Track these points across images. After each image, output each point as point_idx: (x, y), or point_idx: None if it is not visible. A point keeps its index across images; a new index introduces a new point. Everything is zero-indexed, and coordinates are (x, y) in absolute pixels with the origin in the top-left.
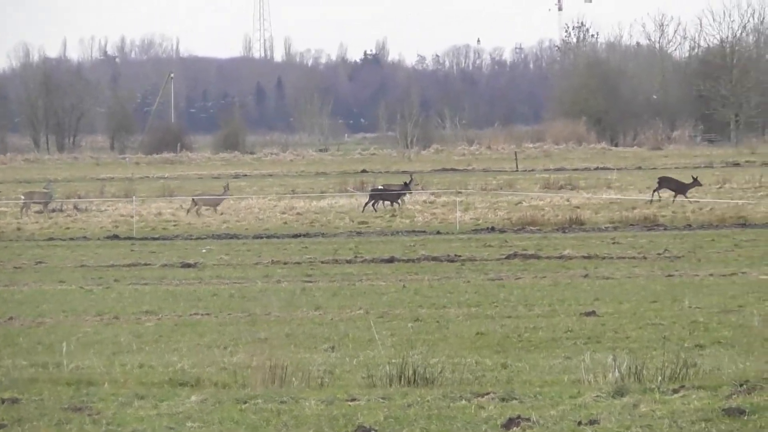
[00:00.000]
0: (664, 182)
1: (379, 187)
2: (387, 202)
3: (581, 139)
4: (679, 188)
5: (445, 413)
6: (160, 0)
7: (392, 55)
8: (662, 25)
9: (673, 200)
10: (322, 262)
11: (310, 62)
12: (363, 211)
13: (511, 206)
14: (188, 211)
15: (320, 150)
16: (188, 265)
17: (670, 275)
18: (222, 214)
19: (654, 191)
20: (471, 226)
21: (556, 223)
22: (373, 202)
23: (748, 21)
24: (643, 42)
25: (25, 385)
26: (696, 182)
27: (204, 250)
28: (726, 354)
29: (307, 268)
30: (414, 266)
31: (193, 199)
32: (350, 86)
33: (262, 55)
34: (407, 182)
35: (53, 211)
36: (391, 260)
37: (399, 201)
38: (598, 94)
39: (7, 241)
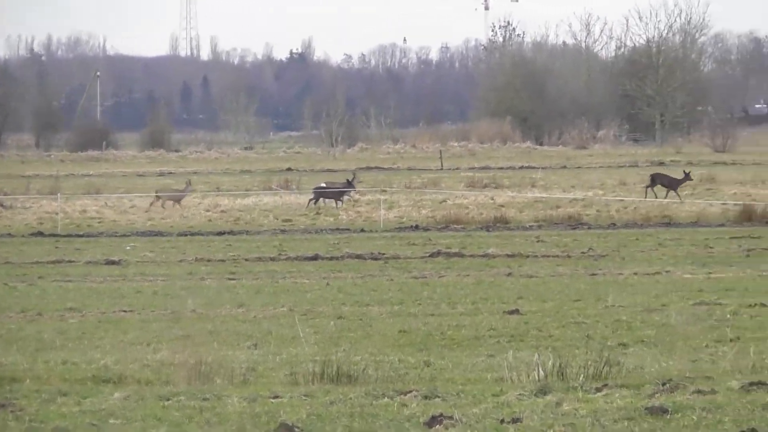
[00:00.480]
0: (657, 178)
1: (322, 184)
2: (335, 200)
3: (506, 138)
4: (671, 184)
5: (367, 411)
6: None
7: (318, 54)
8: (588, 24)
9: (666, 196)
10: (246, 260)
11: (236, 61)
12: (306, 209)
13: (436, 204)
14: (151, 204)
15: (245, 148)
16: (112, 263)
17: (593, 274)
18: (184, 210)
19: (647, 188)
20: (395, 224)
21: (481, 222)
22: (315, 200)
23: (675, 21)
24: (570, 41)
25: None
26: (687, 177)
27: (128, 248)
28: (649, 353)
29: (231, 266)
30: (338, 264)
31: (156, 194)
32: (276, 85)
33: (189, 53)
34: (350, 180)
35: None
36: (315, 258)
37: (342, 199)
38: (523, 93)
39: None
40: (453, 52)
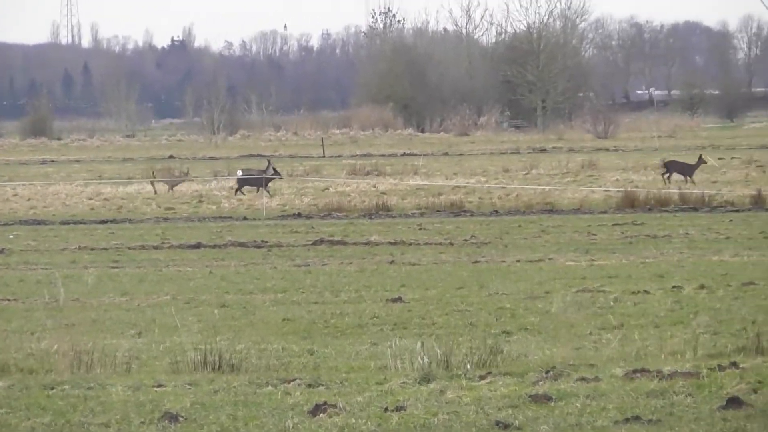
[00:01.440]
0: (671, 166)
1: (239, 172)
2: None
3: (388, 125)
4: (686, 170)
5: (251, 399)
6: None
7: (199, 42)
8: (469, 10)
9: (686, 182)
10: (129, 248)
11: (117, 49)
12: (236, 195)
13: (318, 192)
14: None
15: (127, 136)
16: None
17: (476, 261)
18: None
19: (663, 175)
20: (278, 212)
21: (363, 209)
22: (239, 188)
23: (556, 6)
24: (450, 28)
25: None
26: (701, 161)
27: (11, 236)
28: (533, 340)
29: (114, 254)
30: (221, 252)
31: (152, 180)
32: (157, 72)
33: (70, 41)
34: (272, 169)
35: None
36: (197, 246)
37: (267, 188)
38: (404, 80)
39: None
40: (334, 38)
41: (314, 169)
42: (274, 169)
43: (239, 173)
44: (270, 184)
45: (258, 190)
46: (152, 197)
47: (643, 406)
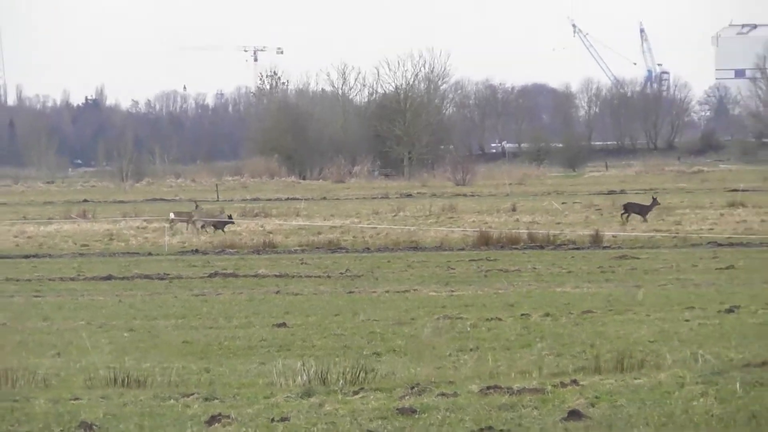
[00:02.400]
0: (629, 207)
1: (171, 215)
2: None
3: (274, 173)
4: (643, 210)
5: (156, 411)
6: None
7: (110, 100)
8: (344, 73)
9: (644, 220)
10: (50, 280)
11: (38, 106)
12: (201, 229)
13: (213, 231)
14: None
15: (47, 182)
16: None
17: (351, 292)
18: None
19: (622, 215)
20: (178, 249)
21: (252, 246)
22: (203, 225)
23: (420, 70)
24: (328, 89)
25: None
26: (655, 202)
27: None
28: (400, 361)
29: (36, 285)
30: (129, 283)
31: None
32: (73, 127)
33: None
34: (226, 215)
35: None
36: (109, 278)
37: (224, 228)
38: (288, 134)
39: None
40: (227, 98)
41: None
42: (229, 216)
43: (171, 215)
44: (226, 228)
45: (215, 231)
46: (69, 236)
47: (495, 418)
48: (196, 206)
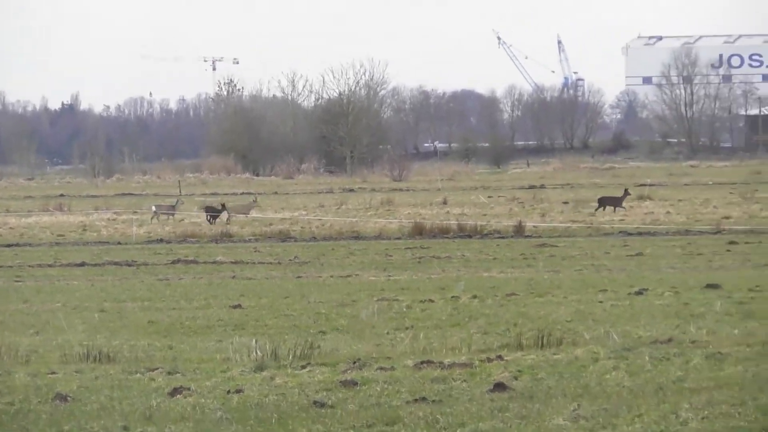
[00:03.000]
0: (604, 201)
1: (153, 207)
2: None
3: (230, 170)
4: (616, 202)
5: (124, 384)
6: None
7: (84, 105)
8: (293, 81)
9: (614, 211)
10: (29, 266)
11: (20, 111)
12: (209, 222)
13: (176, 222)
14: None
15: (28, 179)
16: None
17: (299, 276)
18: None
19: (596, 210)
20: (144, 238)
21: (211, 236)
22: (209, 216)
23: (361, 78)
24: (279, 95)
25: None
26: (626, 193)
27: None
28: (343, 338)
29: (17, 271)
30: (100, 269)
31: (204, 210)
32: (51, 130)
33: None
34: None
35: None
36: (82, 264)
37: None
38: (243, 135)
39: None
40: (188, 103)
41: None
42: (222, 205)
43: (153, 208)
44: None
45: (213, 221)
46: (47, 227)
47: (428, 390)
48: (178, 200)
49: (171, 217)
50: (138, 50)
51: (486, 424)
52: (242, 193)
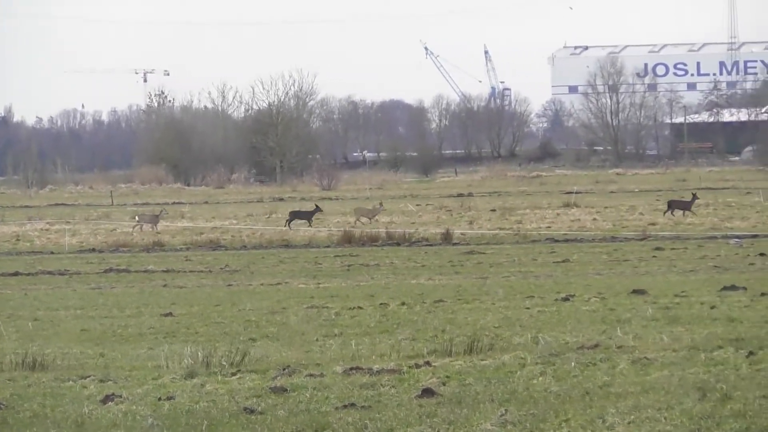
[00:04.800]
0: (673, 204)
1: (136, 218)
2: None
3: (162, 180)
4: (685, 206)
5: (56, 391)
6: None
7: (17, 117)
8: (224, 92)
9: (684, 215)
10: None
11: None
12: (287, 227)
13: (108, 232)
14: (133, 228)
15: None
16: None
17: (230, 285)
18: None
19: (665, 212)
20: (77, 248)
21: (143, 245)
22: (290, 220)
23: (290, 89)
24: (210, 106)
25: None
26: (695, 197)
27: None
28: (273, 345)
29: None
30: (34, 279)
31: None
32: None
33: None
34: (317, 209)
35: None
36: (15, 274)
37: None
38: (174, 146)
39: None
40: (120, 114)
41: (105, 215)
42: (316, 205)
43: (136, 218)
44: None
45: (309, 223)
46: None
47: (357, 395)
48: (162, 211)
49: (155, 226)
50: (69, 63)
51: (414, 429)
52: (173, 203)
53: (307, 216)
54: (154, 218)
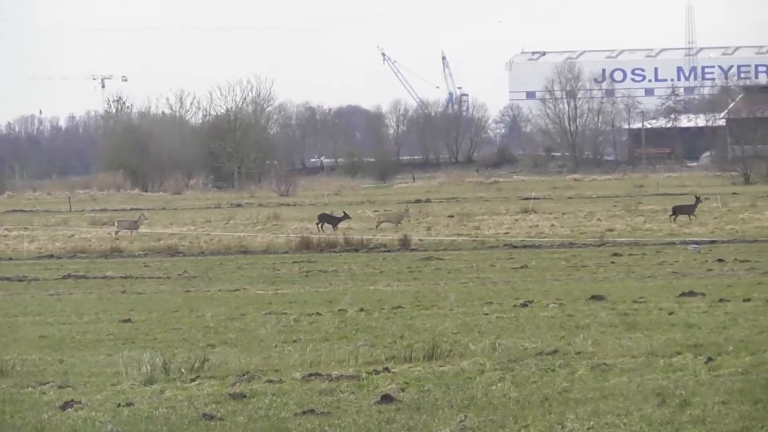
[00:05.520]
0: (678, 209)
1: (116, 223)
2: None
3: (120, 186)
4: (690, 210)
5: (15, 398)
6: None
7: None
8: (181, 98)
9: (689, 220)
10: None
11: None
12: (319, 228)
13: (66, 238)
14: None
15: None
16: None
17: (188, 291)
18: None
19: (671, 216)
20: (35, 254)
21: (101, 251)
22: (320, 223)
23: (248, 95)
24: (167, 111)
25: None
26: (698, 200)
27: None
28: (231, 351)
29: None
30: None
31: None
32: None
33: None
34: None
35: None
36: None
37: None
38: (132, 152)
39: None
40: (78, 120)
41: (63, 221)
42: (344, 212)
43: (116, 223)
44: (340, 224)
45: (334, 228)
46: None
47: (316, 402)
48: (141, 216)
49: (134, 231)
50: (26, 69)
51: None
52: (131, 209)
53: (335, 221)
54: (133, 224)
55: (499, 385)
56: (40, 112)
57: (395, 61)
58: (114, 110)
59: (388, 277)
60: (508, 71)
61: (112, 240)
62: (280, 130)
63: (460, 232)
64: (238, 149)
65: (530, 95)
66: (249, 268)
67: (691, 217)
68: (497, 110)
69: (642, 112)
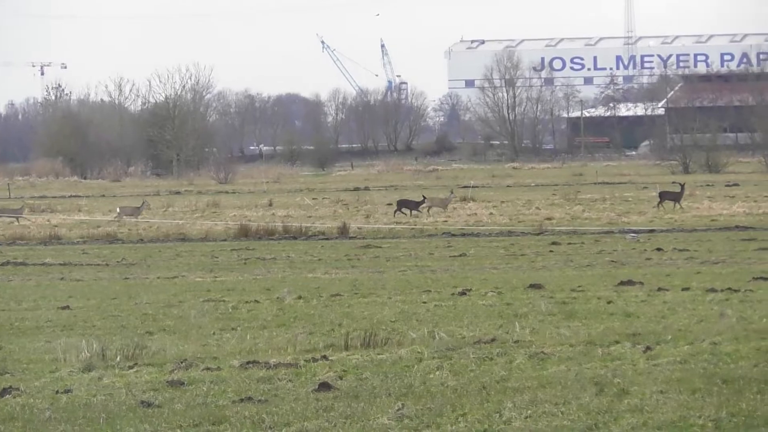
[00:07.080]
0: (663, 195)
1: (117, 209)
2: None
3: (59, 173)
4: (676, 197)
5: None
6: None
7: None
8: (120, 85)
9: (674, 207)
10: None
11: None
12: (394, 215)
13: (5, 225)
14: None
15: None
16: None
17: (126, 278)
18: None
19: (658, 204)
20: None
21: (40, 238)
22: (398, 209)
23: (187, 82)
24: (107, 99)
25: None
26: (683, 188)
27: None
28: (169, 339)
29: None
30: None
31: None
32: None
33: None
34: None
35: None
36: None
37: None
38: (71, 139)
39: None
40: (17, 107)
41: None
42: (423, 196)
43: (117, 209)
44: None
45: (410, 213)
46: None
47: (254, 389)
48: (144, 203)
49: (136, 218)
50: None
51: (311, 423)
52: (70, 196)
53: (414, 206)
54: (135, 210)
55: (437, 373)
56: None
57: (335, 50)
58: (53, 97)
59: (326, 264)
60: (447, 59)
61: (51, 227)
62: (219, 117)
63: (398, 220)
64: (177, 137)
65: (469, 84)
66: (187, 255)
67: (676, 205)
68: (436, 98)
69: (581, 100)
